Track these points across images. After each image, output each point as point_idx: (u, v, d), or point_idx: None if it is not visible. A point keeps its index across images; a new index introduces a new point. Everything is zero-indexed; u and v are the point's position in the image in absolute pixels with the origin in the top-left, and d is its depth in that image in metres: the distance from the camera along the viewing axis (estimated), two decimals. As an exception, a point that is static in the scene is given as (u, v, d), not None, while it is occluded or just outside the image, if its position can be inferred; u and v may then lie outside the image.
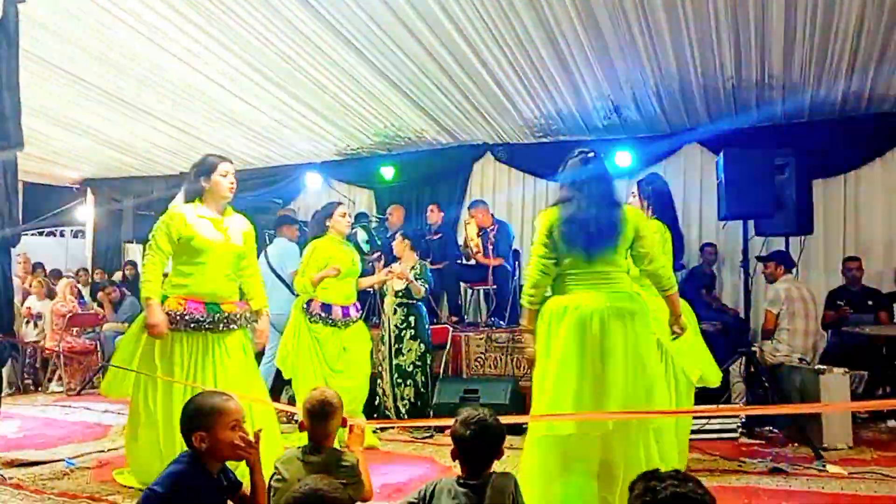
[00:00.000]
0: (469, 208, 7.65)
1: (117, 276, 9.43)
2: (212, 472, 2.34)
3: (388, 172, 8.74)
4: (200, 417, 2.32)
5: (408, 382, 5.68)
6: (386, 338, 5.76)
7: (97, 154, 9.22)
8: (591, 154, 3.44)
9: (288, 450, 2.70)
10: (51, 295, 8.52)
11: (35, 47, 5.65)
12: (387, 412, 5.70)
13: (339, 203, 5.43)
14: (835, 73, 5.98)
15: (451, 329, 6.49)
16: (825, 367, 5.12)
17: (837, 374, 4.97)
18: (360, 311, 5.36)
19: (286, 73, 6.30)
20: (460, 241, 7.70)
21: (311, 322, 5.02)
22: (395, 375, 5.70)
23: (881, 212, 7.05)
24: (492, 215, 7.49)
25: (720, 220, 6.12)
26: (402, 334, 5.70)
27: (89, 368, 8.16)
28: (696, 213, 7.76)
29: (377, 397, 5.79)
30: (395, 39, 5.60)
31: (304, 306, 5.08)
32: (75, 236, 12.13)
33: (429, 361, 5.81)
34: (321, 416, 2.65)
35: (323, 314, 5.04)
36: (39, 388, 8.12)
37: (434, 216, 7.94)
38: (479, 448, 2.36)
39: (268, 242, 6.83)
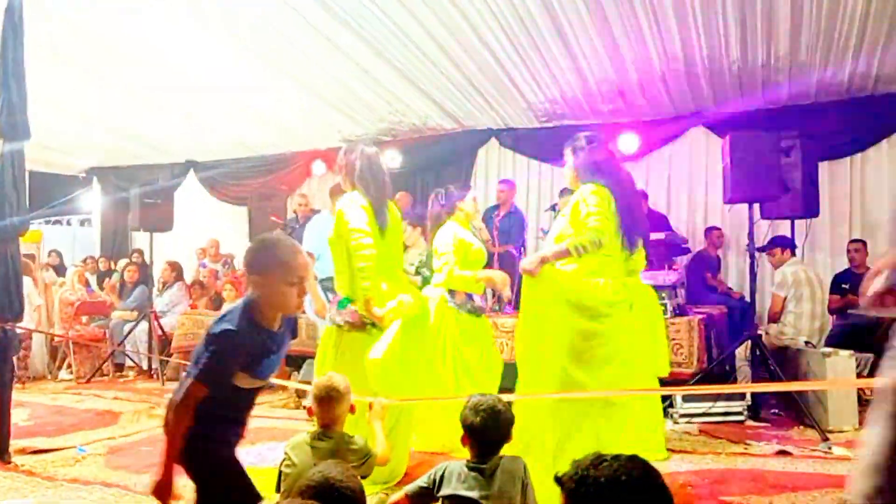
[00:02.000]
0: (500, 182, 7.56)
1: (121, 263, 9.47)
2: (262, 322, 2.25)
3: (392, 159, 8.72)
4: (262, 261, 2.27)
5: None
6: None
7: (103, 142, 9.25)
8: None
9: (297, 434, 2.73)
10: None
11: (41, 36, 5.66)
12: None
13: (471, 187, 5.23)
14: (841, 55, 5.94)
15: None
16: (831, 349, 5.12)
17: (844, 357, 4.97)
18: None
19: (290, 60, 6.30)
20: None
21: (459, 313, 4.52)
22: None
23: (887, 194, 7.01)
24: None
25: (725, 204, 6.10)
26: None
27: (98, 356, 8.21)
28: (701, 197, 7.75)
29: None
30: (399, 25, 5.59)
31: (448, 296, 4.53)
32: (82, 224, 12.18)
33: None
34: (328, 400, 2.67)
35: (469, 304, 4.58)
36: (48, 377, 8.18)
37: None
38: (489, 434, 2.38)
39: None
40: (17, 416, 5.66)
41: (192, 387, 2.14)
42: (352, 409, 2.75)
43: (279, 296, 2.22)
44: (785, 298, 5.86)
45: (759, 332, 5.73)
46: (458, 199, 4.75)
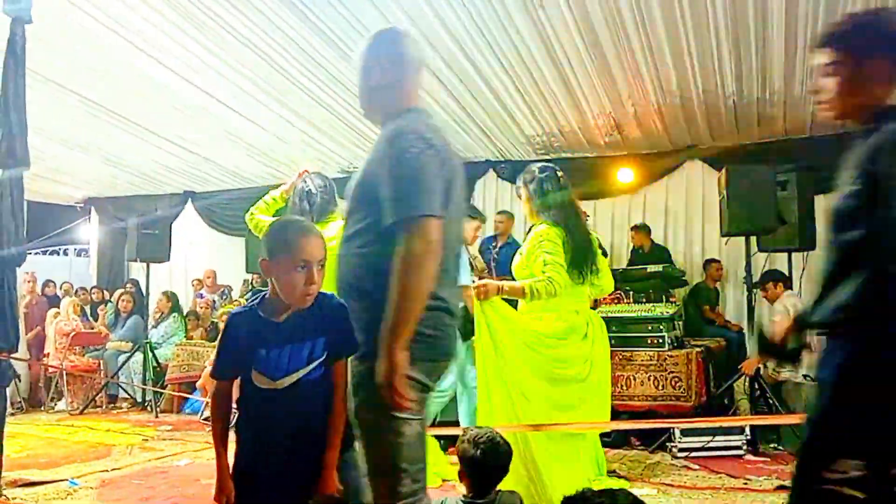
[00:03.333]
0: (498, 214, 7.59)
1: (116, 293, 9.43)
2: (264, 313, 2.07)
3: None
4: (270, 244, 2.07)
5: None
6: None
7: (101, 173, 9.28)
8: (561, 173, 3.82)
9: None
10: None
11: (41, 66, 5.70)
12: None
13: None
14: (835, 90, 6.00)
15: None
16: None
17: (842, 390, 4.94)
18: None
19: (289, 90, 6.34)
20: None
21: None
22: None
23: (884, 227, 7.03)
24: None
25: (722, 237, 6.13)
26: None
27: (92, 387, 8.14)
28: (698, 229, 7.77)
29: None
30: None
31: None
32: (79, 255, 12.17)
33: None
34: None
35: None
36: (42, 408, 8.10)
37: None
38: (488, 467, 2.36)
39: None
40: (10, 448, 5.59)
41: (215, 384, 2.11)
42: None
43: (288, 282, 2.00)
44: (785, 330, 5.83)
45: (758, 365, 5.70)
46: None
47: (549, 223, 3.81)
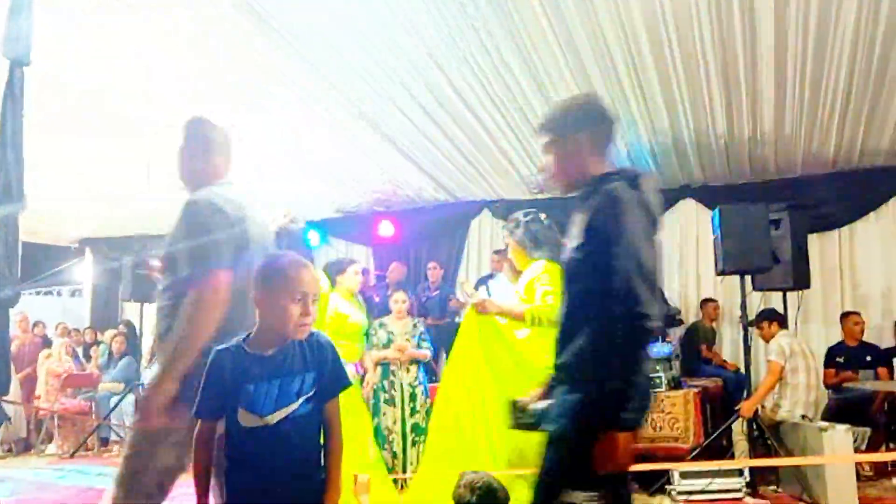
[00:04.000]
0: (495, 253, 7.59)
1: (108, 333, 9.36)
2: (250, 346, 2.04)
3: (386, 229, 8.77)
4: (264, 273, 2.07)
5: (423, 439, 5.56)
6: (398, 399, 5.63)
7: (97, 213, 9.28)
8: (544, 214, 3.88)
9: None
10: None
11: (36, 106, 5.73)
12: (394, 475, 5.59)
13: (354, 261, 5.38)
14: (825, 129, 6.08)
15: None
16: (828, 423, 5.06)
17: (840, 431, 4.91)
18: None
19: (284, 131, 6.39)
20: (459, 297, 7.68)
21: None
22: (413, 435, 5.61)
23: (877, 266, 7.08)
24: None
25: (717, 275, 6.13)
26: (416, 391, 5.63)
27: (83, 430, 8.03)
28: (693, 268, 7.78)
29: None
30: (394, 99, 5.70)
31: None
32: (73, 295, 12.10)
33: None
34: None
35: None
36: (32, 451, 7.99)
37: (435, 273, 7.96)
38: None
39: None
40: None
41: (196, 424, 2.02)
42: None
43: (278, 311, 2.01)
44: (783, 368, 5.80)
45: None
46: (337, 273, 5.08)
47: (545, 259, 3.79)
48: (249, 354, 2.02)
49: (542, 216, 4.02)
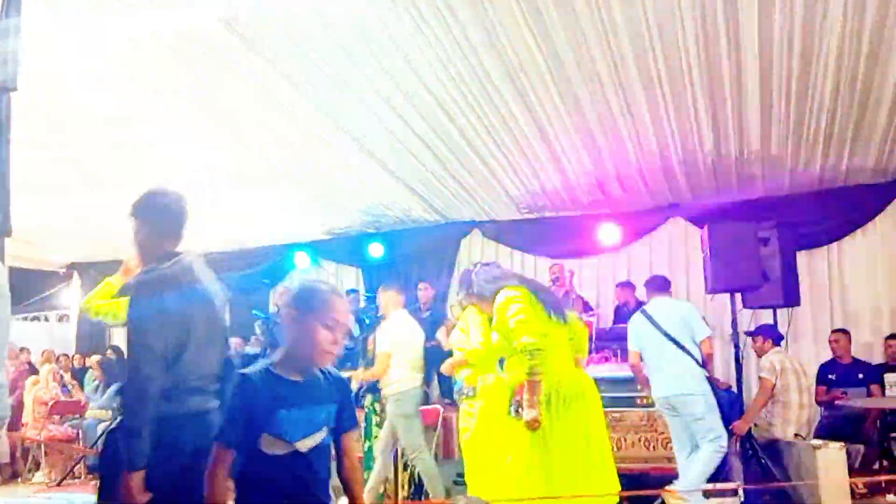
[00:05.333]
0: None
1: (94, 359, 9.24)
2: (282, 371, 2.06)
3: (376, 250, 8.75)
4: (303, 297, 2.11)
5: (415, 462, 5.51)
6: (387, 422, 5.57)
7: (85, 237, 9.22)
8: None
9: None
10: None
11: (22, 131, 5.70)
12: (387, 497, 5.53)
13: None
14: (812, 148, 6.13)
15: (441, 410, 6.37)
16: (821, 441, 5.05)
17: (834, 449, 4.90)
18: None
19: (274, 153, 6.39)
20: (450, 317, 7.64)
21: None
22: (405, 458, 5.56)
23: (865, 283, 7.10)
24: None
25: (707, 294, 6.14)
26: None
27: (71, 457, 7.92)
28: (682, 287, 7.77)
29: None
30: (383, 120, 5.71)
31: None
32: (60, 320, 11.98)
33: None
34: None
35: None
36: (19, 479, 7.86)
37: (426, 294, 7.93)
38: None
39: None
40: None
41: (215, 450, 1.98)
42: None
43: (312, 337, 2.03)
44: (774, 386, 5.78)
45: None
46: None
47: (507, 287, 3.69)
48: (280, 379, 2.03)
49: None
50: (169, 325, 2.36)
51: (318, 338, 2.02)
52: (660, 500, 5.14)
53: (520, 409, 3.49)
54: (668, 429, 5.22)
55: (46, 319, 12.01)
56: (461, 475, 5.50)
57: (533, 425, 3.39)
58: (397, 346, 5.47)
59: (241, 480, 1.98)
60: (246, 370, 2.05)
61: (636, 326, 5.26)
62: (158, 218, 2.81)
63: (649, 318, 5.16)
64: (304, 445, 1.99)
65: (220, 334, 2.67)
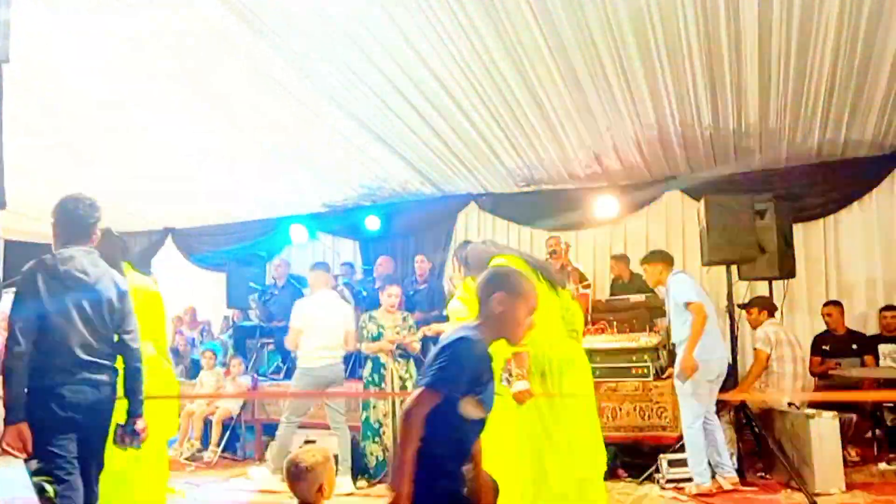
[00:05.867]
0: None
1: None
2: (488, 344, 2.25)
3: (372, 223, 8.74)
4: (515, 282, 2.30)
5: None
6: (389, 391, 5.63)
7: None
8: None
9: None
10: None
11: (16, 107, 5.66)
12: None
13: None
14: (809, 121, 6.11)
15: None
16: (814, 410, 5.11)
17: (827, 418, 4.97)
18: None
19: (270, 126, 6.35)
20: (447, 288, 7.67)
21: None
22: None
23: (861, 255, 7.12)
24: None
25: (703, 266, 6.16)
26: (407, 384, 5.63)
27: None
28: (679, 260, 7.78)
29: (365, 456, 5.66)
30: (379, 93, 5.68)
31: None
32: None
33: None
34: (290, 478, 2.69)
35: None
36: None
37: (423, 267, 7.94)
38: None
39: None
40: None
41: (423, 393, 2.07)
42: (320, 490, 2.65)
43: (516, 319, 2.23)
44: (769, 357, 5.84)
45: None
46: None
47: (499, 255, 3.75)
48: (487, 352, 2.21)
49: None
50: (38, 308, 3.02)
51: (521, 323, 2.23)
52: (655, 466, 5.22)
53: (510, 379, 3.53)
54: (662, 399, 5.27)
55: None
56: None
57: (520, 397, 3.42)
58: (309, 324, 5.79)
59: (436, 437, 2.08)
60: (470, 335, 2.17)
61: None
62: (63, 220, 3.55)
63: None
64: (485, 416, 2.19)
65: (106, 317, 3.22)
